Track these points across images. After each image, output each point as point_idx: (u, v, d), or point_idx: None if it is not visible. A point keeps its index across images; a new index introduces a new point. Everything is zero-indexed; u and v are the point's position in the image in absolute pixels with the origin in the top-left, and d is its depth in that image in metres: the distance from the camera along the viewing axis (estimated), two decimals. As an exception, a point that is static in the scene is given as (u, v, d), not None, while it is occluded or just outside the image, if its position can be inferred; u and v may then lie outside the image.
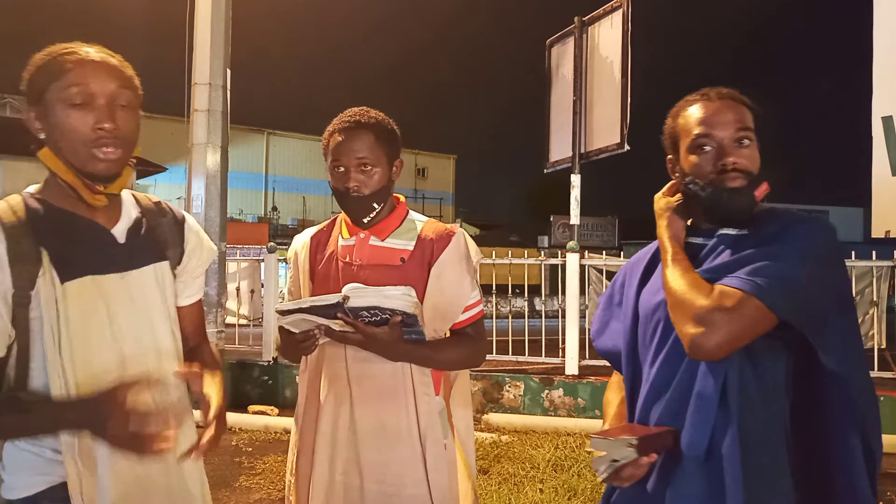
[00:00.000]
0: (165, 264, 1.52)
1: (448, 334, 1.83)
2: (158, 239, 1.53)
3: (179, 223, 1.59)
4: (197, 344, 1.65)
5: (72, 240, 1.38)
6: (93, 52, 1.39)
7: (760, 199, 1.40)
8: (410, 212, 1.91)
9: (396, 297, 1.59)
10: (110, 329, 1.39)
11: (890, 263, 6.01)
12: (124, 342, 1.41)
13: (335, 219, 1.95)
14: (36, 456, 1.35)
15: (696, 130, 1.43)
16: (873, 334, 6.38)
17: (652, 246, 1.58)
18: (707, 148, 1.42)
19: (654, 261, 1.54)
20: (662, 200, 1.51)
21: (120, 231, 1.47)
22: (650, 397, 1.41)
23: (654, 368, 1.41)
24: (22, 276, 1.31)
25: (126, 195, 1.53)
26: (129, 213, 1.51)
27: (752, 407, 1.30)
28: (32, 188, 1.44)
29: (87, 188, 1.38)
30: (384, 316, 1.61)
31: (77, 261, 1.37)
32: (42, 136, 1.38)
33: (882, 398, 5.36)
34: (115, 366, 1.38)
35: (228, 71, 6.71)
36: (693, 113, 1.45)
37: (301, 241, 1.94)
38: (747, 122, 1.42)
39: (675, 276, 1.35)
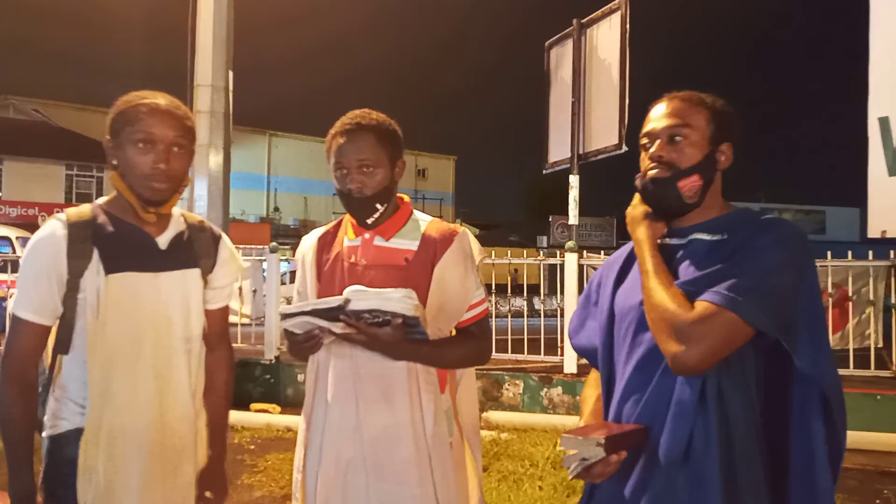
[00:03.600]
0: (196, 271, 1.82)
1: (453, 332, 1.85)
2: (195, 250, 1.84)
3: (216, 239, 1.91)
4: (216, 345, 1.94)
5: (121, 243, 1.72)
6: (162, 102, 1.71)
7: (685, 190, 1.42)
8: (415, 211, 1.92)
9: (397, 300, 1.60)
10: (135, 315, 1.71)
11: (886, 263, 6.05)
12: (145, 327, 1.73)
13: (341, 220, 1.97)
14: (63, 405, 1.70)
15: (644, 130, 1.49)
16: (870, 333, 6.43)
17: (627, 246, 1.59)
18: (648, 144, 1.48)
19: (630, 261, 1.56)
20: (640, 207, 1.52)
21: (164, 240, 1.78)
22: (625, 395, 1.43)
23: (629, 368, 1.44)
24: (76, 266, 1.66)
25: (177, 213, 1.84)
26: (176, 227, 1.82)
27: (727, 409, 1.32)
28: (102, 200, 1.78)
29: (141, 207, 1.72)
30: (386, 318, 1.62)
31: (121, 259, 1.70)
32: (115, 162, 1.72)
33: (879, 397, 5.40)
34: (133, 341, 1.71)
35: (230, 72, 6.76)
36: (648, 115, 1.51)
37: (308, 243, 1.96)
38: (687, 119, 1.44)
39: (657, 291, 1.36)
